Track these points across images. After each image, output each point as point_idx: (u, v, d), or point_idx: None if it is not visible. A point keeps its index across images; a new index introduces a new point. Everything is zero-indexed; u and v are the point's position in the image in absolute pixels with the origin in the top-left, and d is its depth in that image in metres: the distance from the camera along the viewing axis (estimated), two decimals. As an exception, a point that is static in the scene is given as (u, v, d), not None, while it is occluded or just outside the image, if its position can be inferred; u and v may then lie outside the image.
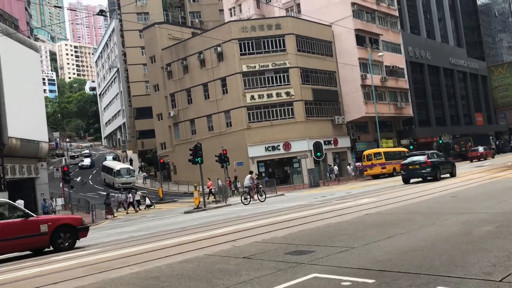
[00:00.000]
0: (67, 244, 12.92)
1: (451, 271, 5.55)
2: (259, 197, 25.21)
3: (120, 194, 33.45)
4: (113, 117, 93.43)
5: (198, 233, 12.98)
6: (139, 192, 35.51)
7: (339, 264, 6.55)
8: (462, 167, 35.91)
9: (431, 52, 61.13)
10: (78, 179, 46.79)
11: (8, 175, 27.95)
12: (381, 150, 39.85)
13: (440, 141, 55.66)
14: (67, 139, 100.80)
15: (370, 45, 48.80)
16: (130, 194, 32.34)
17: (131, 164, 58.97)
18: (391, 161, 38.26)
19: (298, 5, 51.11)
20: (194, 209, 25.83)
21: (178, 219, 20.94)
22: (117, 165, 50.99)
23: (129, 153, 71.67)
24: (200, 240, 11.24)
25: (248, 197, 24.64)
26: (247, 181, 25.79)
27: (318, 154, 37.08)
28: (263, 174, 40.93)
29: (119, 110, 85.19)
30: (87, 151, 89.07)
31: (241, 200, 24.39)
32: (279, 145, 41.78)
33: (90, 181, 57.75)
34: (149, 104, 56.61)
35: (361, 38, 48.22)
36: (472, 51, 77.89)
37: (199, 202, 26.41)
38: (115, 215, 29.45)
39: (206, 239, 11.27)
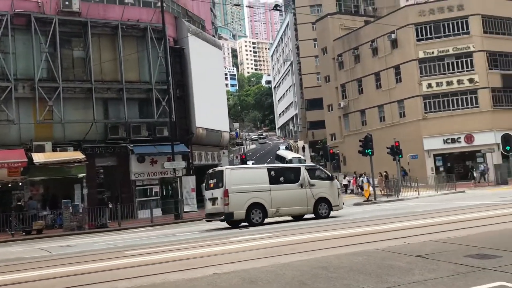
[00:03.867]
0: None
1: None
2: None
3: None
4: (286, 108, 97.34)
5: (367, 226, 12.71)
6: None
7: (532, 275, 5.70)
8: None
9: None
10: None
11: (195, 161, 31.34)
12: None
13: None
14: (245, 130, 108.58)
15: None
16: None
17: (303, 152, 60.71)
18: None
19: (486, -19, 45.78)
20: (364, 201, 25.42)
21: (348, 210, 20.82)
22: (289, 155, 52.97)
23: (300, 143, 73.85)
24: (369, 233, 10.97)
25: None
26: None
27: (508, 148, 32.86)
28: (441, 169, 38.05)
29: (292, 102, 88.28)
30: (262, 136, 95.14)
31: None
32: (459, 137, 38.24)
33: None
34: (320, 95, 57.29)
35: None
36: None
37: (369, 194, 25.87)
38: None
39: (376, 233, 10.95)
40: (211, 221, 17.51)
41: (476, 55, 38.80)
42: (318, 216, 17.08)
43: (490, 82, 38.73)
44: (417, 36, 39.89)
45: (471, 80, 38.66)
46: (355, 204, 24.47)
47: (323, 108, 55.39)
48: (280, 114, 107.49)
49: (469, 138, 37.98)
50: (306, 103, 70.08)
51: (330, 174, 18.50)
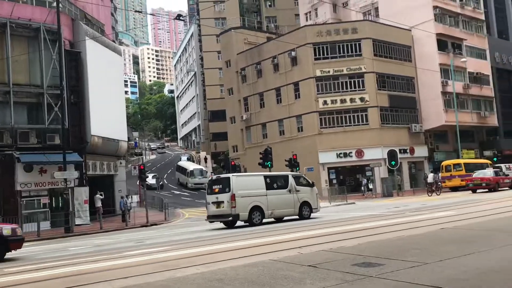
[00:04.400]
0: None
1: (538, 298, 5.00)
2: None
3: None
4: (189, 119, 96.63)
5: (264, 237, 12.94)
6: None
7: (410, 280, 6.16)
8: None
9: (521, 58, 56.93)
10: (153, 179, 48.35)
11: (89, 171, 29.73)
12: (461, 161, 37.70)
13: (528, 154, 51.54)
14: (145, 139, 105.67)
15: (453, 50, 46.33)
16: None
17: (205, 164, 60.57)
18: (471, 173, 36.04)
19: (376, 9, 49.77)
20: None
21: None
22: (190, 166, 52.58)
23: (202, 154, 73.67)
24: (266, 244, 11.17)
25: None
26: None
27: (393, 162, 35.75)
28: (334, 181, 40.20)
29: (195, 113, 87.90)
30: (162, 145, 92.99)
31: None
32: (351, 152, 40.83)
33: (164, 180, 59.96)
34: (223, 107, 57.79)
35: (443, 43, 45.93)
36: None
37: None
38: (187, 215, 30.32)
39: (272, 243, 11.18)
40: (214, 222, 19.02)
41: (367, 76, 41.84)
42: (301, 217, 19.26)
43: (379, 101, 41.94)
44: (315, 55, 42.02)
45: (362, 99, 41.54)
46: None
47: (226, 120, 55.89)
48: (182, 125, 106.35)
49: (359, 153, 40.65)
50: (209, 114, 70.20)
51: (310, 181, 20.75)
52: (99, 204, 26.40)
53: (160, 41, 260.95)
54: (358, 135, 41.02)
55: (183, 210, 33.48)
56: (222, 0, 65.82)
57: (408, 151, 43.10)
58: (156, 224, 24.96)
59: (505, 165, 42.37)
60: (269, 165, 26.88)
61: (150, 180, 47.42)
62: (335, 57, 42.03)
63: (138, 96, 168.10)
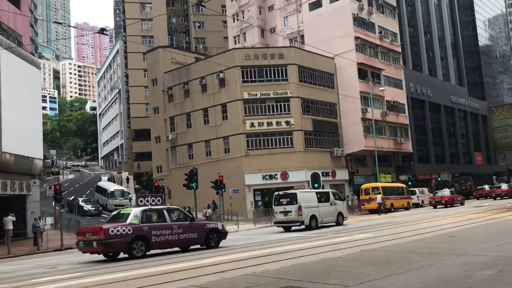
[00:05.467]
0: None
1: (452, 320, 5.14)
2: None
3: None
4: (111, 137, 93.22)
5: (186, 261, 12.51)
6: None
7: (332, 305, 6.13)
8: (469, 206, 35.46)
9: (433, 89, 61.44)
10: (89, 204, 45.31)
11: (-1, 191, 27.44)
12: (379, 184, 39.45)
13: (439, 179, 55.24)
14: (64, 158, 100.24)
15: (372, 79, 49.00)
16: None
17: (127, 184, 58.35)
18: (389, 196, 37.84)
19: (302, 36, 51.57)
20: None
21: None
22: (111, 186, 50.37)
23: (125, 174, 71.08)
24: (188, 269, 10.77)
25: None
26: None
27: (316, 185, 36.59)
28: (259, 203, 40.37)
29: (118, 131, 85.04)
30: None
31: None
32: (276, 174, 41.35)
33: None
34: (148, 126, 56.38)
35: (363, 72, 48.47)
36: (473, 91, 78.45)
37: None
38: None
39: (194, 268, 10.81)
40: (280, 227, 24.38)
41: (292, 100, 42.91)
42: (337, 224, 24.51)
43: (303, 125, 43.08)
44: (243, 77, 42.50)
45: (288, 123, 42.45)
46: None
47: (151, 140, 54.50)
48: (104, 143, 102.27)
49: (284, 175, 41.29)
50: (133, 133, 68.18)
51: (342, 196, 27.52)
52: (10, 226, 24.29)
53: (84, 57, 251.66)
54: (284, 157, 41.71)
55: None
56: (149, 18, 64.94)
57: (330, 174, 44.48)
58: (71, 248, 23.38)
59: (419, 189, 45.09)
60: (194, 187, 26.39)
61: (85, 204, 44.62)
62: (262, 80, 42.76)
63: (57, 112, 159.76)
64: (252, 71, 42.70)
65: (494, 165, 76.32)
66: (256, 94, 42.30)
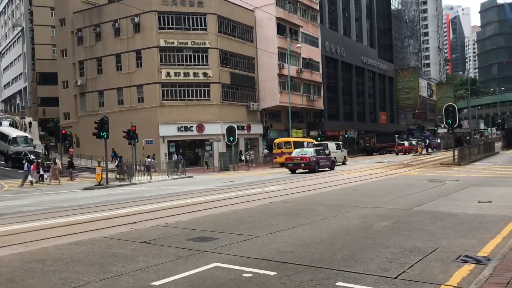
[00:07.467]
0: None
1: (351, 266, 5.59)
2: None
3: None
4: (13, 80, 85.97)
5: (95, 212, 12.20)
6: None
7: (241, 254, 6.38)
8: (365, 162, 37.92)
9: (346, 49, 63.51)
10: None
11: None
12: (291, 139, 40.72)
13: (346, 135, 58.24)
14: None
15: (290, 36, 49.42)
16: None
17: (30, 129, 54.73)
18: (299, 150, 39.24)
19: (223, -15, 50.22)
20: (95, 185, 24.51)
21: (76, 195, 19.71)
22: (13, 132, 46.93)
23: (28, 120, 66.41)
24: (97, 220, 10.54)
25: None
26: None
27: (231, 138, 36.99)
28: (174, 155, 40.05)
29: (21, 73, 78.55)
30: None
31: None
32: (192, 126, 41.00)
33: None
34: (55, 69, 52.69)
35: (282, 28, 48.67)
36: (383, 53, 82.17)
37: (101, 178, 25.08)
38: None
39: (104, 219, 10.59)
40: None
41: (211, 52, 42.19)
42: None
43: (221, 78, 42.74)
44: (160, 24, 40.78)
45: (205, 74, 41.85)
46: (86, 189, 23.38)
47: (58, 84, 51.13)
48: (5, 86, 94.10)
49: (200, 128, 41.12)
50: (38, 76, 63.43)
51: (342, 148, 38.69)
52: None
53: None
54: (200, 109, 41.37)
55: (2, 182, 29.81)
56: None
57: (245, 128, 45.05)
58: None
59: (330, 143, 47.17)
60: (105, 136, 25.34)
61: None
62: (180, 28, 41.35)
63: None
64: (170, 18, 41.08)
65: (396, 124, 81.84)
66: (173, 42, 40.97)
